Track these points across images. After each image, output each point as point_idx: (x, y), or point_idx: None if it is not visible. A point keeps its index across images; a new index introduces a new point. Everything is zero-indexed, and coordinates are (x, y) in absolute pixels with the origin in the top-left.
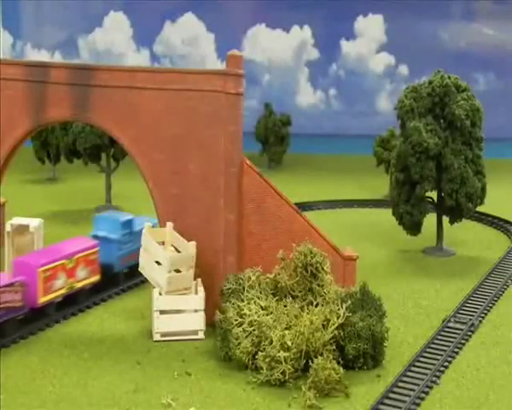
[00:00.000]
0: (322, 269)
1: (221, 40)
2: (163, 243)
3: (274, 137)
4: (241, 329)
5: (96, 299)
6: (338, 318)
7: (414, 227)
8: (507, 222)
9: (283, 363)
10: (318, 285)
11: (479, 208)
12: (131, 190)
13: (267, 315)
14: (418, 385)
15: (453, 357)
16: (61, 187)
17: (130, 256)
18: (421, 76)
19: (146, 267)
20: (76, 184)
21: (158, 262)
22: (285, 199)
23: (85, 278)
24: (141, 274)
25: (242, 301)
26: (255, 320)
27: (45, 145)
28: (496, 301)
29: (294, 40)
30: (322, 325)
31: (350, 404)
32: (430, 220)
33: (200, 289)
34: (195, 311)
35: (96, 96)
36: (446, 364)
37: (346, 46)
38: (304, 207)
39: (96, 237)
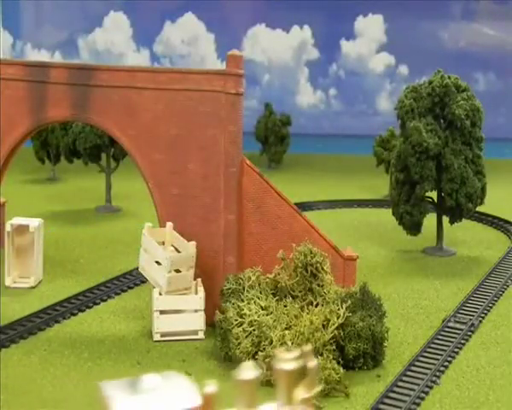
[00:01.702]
0: (322, 269)
1: (221, 40)
2: (163, 243)
3: (274, 137)
4: (241, 329)
5: (96, 299)
6: (338, 318)
7: (414, 227)
8: (507, 222)
9: None
10: (318, 285)
11: (479, 208)
12: (131, 190)
13: (267, 315)
14: (418, 385)
15: (453, 357)
16: (61, 187)
17: None
18: (421, 76)
19: (146, 267)
20: (76, 184)
21: (158, 262)
22: (285, 199)
23: None
24: None
25: (242, 301)
26: (255, 320)
27: (45, 145)
28: (496, 301)
29: (294, 40)
30: (323, 325)
31: (350, 404)
32: (430, 220)
33: (200, 289)
34: (195, 311)
35: (95, 96)
36: (446, 364)
37: (346, 46)
38: (304, 207)
39: None
